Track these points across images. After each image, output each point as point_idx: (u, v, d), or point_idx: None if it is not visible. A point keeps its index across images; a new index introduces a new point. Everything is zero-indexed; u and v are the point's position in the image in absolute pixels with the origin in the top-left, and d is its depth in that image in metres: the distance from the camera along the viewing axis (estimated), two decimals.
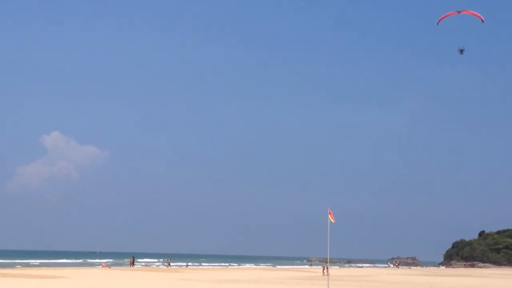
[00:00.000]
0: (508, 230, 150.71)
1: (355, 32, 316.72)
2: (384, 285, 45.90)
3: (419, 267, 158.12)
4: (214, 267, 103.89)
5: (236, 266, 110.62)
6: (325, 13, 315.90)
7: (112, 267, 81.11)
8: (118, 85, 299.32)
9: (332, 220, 31.10)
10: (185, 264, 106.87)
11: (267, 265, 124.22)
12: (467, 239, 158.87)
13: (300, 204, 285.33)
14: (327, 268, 68.33)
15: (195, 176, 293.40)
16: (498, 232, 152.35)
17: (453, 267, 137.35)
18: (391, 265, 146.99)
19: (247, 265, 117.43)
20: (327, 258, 34.10)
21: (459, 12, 40.31)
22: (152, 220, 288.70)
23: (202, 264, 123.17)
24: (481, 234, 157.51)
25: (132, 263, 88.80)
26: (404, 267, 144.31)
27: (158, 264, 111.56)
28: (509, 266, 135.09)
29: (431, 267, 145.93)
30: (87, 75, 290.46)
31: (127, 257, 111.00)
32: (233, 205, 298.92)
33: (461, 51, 41.87)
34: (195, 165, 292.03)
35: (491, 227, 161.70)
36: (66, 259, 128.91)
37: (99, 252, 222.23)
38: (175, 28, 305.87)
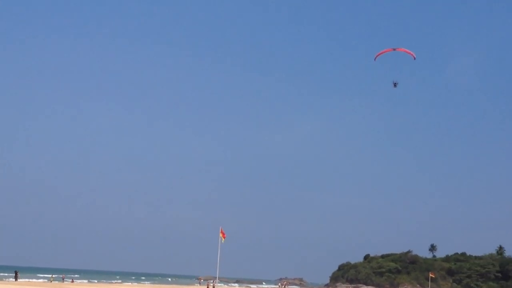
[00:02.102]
0: (391, 254, 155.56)
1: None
2: None
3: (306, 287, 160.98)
4: (99, 283, 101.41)
5: (122, 283, 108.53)
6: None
7: None
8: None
9: (222, 238, 31.25)
10: (70, 279, 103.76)
11: (155, 283, 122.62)
12: (352, 261, 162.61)
13: (190, 221, 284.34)
14: (213, 286, 68.44)
15: (78, 186, 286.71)
16: (382, 256, 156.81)
17: None
18: (279, 285, 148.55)
19: (128, 282, 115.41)
20: (216, 277, 34.15)
21: (394, 49, 41.74)
22: (40, 233, 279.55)
23: (90, 280, 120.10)
24: (366, 257, 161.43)
25: (16, 277, 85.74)
26: (292, 287, 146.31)
27: (45, 279, 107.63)
28: None
29: None
30: None
31: (10, 271, 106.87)
32: (124, 220, 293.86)
33: (395, 84, 43.11)
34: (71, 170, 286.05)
35: (376, 251, 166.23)
36: None
37: None
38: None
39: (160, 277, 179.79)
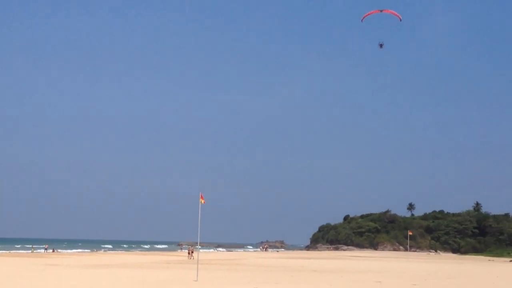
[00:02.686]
0: (370, 214, 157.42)
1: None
2: (252, 268, 46.86)
3: (286, 250, 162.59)
4: (83, 252, 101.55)
5: (106, 252, 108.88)
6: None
7: None
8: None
9: (202, 202, 31.36)
10: (50, 249, 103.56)
11: (137, 250, 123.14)
12: (332, 223, 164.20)
13: (171, 187, 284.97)
14: (192, 252, 68.84)
15: (59, 160, 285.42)
16: (362, 217, 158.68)
17: (318, 250, 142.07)
18: (261, 248, 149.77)
19: (117, 250, 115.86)
20: (197, 242, 34.38)
21: (381, 11, 41.86)
22: (15, 203, 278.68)
23: (69, 249, 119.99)
24: (346, 218, 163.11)
25: None
26: (273, 250, 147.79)
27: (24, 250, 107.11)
28: (370, 248, 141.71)
29: (298, 250, 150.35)
30: None
31: None
32: (102, 189, 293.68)
33: (381, 45, 43.28)
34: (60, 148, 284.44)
35: (355, 212, 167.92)
36: None
37: None
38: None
39: (136, 245, 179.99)
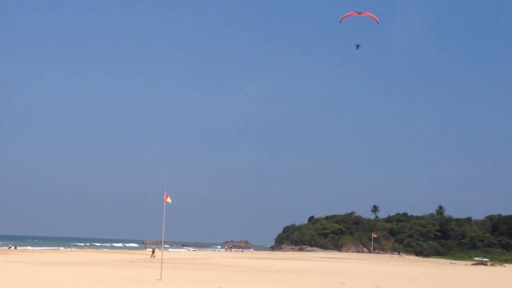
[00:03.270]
0: (335, 216, 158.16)
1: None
2: (216, 268, 46.75)
3: (251, 250, 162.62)
4: (44, 249, 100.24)
5: (70, 249, 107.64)
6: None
7: None
8: None
9: (169, 201, 31.15)
10: (12, 246, 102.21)
11: (106, 248, 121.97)
12: (297, 223, 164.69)
13: (136, 186, 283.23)
14: (154, 250, 68.62)
15: (32, 155, 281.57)
16: (326, 218, 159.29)
17: (283, 251, 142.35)
18: (226, 248, 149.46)
19: (84, 248, 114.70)
20: (161, 241, 34.15)
21: (359, 13, 42.24)
22: None
23: (33, 246, 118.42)
24: (311, 219, 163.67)
25: None
26: (237, 250, 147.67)
27: None
28: (335, 250, 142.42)
29: (263, 251, 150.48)
30: None
31: None
32: (68, 184, 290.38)
33: (357, 46, 43.70)
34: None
35: (320, 213, 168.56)
36: None
37: None
38: None
39: (110, 243, 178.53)
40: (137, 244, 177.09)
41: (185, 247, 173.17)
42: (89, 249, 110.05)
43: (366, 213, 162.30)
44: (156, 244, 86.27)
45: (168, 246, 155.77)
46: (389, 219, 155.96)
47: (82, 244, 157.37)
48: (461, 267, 71.95)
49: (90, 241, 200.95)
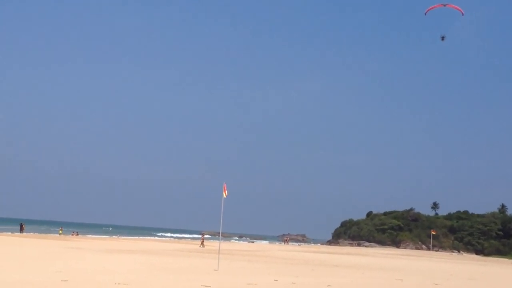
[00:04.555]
0: (394, 211, 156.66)
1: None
2: (273, 260, 46.90)
3: (308, 243, 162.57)
4: (103, 237, 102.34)
5: (127, 237, 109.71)
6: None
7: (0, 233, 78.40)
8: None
9: (225, 195, 31.39)
10: (75, 233, 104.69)
11: (159, 237, 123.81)
12: (355, 218, 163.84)
13: (196, 179, 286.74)
14: (203, 240, 70.03)
15: (87, 145, 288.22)
16: (385, 213, 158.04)
17: (340, 245, 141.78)
18: (282, 241, 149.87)
19: (137, 237, 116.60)
20: (219, 232, 34.49)
21: (444, 5, 42.12)
22: (39, 187, 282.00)
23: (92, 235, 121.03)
24: (369, 214, 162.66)
25: (22, 229, 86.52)
26: (294, 243, 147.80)
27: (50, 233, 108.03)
28: (392, 246, 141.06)
29: (320, 245, 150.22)
30: None
31: (16, 223, 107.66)
32: (128, 176, 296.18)
33: (442, 38, 43.73)
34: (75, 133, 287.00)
35: (378, 208, 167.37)
36: None
37: None
38: None
39: (168, 231, 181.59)
40: (196, 235, 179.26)
41: (242, 239, 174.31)
42: (144, 238, 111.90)
43: (425, 210, 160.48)
44: (214, 235, 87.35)
45: (224, 237, 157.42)
46: (449, 217, 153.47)
47: (159, 234, 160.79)
48: None
49: (152, 230, 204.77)
